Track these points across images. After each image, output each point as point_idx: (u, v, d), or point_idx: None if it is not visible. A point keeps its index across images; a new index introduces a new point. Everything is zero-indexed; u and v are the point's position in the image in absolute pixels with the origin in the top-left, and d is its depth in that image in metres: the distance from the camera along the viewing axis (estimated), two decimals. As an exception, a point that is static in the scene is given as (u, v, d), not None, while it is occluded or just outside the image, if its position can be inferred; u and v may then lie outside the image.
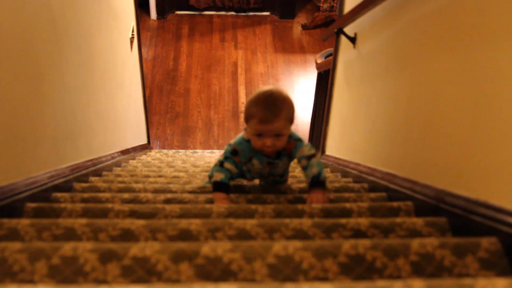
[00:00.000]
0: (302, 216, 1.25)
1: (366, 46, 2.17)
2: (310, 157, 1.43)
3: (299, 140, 1.46)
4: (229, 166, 1.42)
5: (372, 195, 1.53)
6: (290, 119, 1.34)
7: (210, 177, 1.63)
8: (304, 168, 1.44)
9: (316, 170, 1.41)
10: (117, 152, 2.66)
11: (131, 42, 3.39)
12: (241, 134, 1.46)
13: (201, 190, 1.67)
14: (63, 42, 1.70)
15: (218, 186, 1.40)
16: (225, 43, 5.71)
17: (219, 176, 1.41)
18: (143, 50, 4.84)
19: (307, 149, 1.45)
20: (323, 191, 1.39)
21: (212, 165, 2.79)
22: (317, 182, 1.40)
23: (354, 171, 2.02)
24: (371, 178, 1.76)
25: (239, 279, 0.83)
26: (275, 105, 1.30)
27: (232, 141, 1.47)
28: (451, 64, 1.21)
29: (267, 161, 1.46)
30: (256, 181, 1.69)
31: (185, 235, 1.04)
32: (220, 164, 1.44)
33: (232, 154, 1.43)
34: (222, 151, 1.50)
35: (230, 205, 1.29)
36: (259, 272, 0.84)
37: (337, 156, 2.50)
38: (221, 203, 1.33)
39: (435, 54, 1.32)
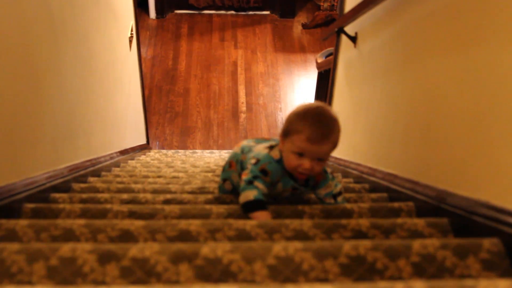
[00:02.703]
0: (303, 217, 1.25)
1: (367, 46, 2.17)
2: (336, 196, 1.32)
3: (325, 171, 1.31)
4: (260, 186, 1.20)
5: (373, 195, 1.52)
6: (336, 144, 1.17)
7: (221, 186, 1.51)
8: (328, 204, 1.31)
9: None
10: (116, 153, 2.66)
11: (130, 41, 3.38)
12: (264, 151, 1.27)
13: (201, 190, 1.66)
14: (61, 42, 1.69)
15: (254, 205, 1.17)
16: (224, 43, 5.71)
17: (251, 194, 1.18)
18: (142, 50, 4.84)
19: (333, 185, 1.32)
20: None
21: (212, 165, 2.79)
22: None
23: (354, 172, 2.02)
24: (372, 178, 1.75)
25: (239, 280, 0.83)
26: (327, 125, 1.13)
27: (254, 159, 1.25)
28: (452, 63, 1.20)
29: (291, 186, 1.26)
30: None
31: (185, 236, 1.04)
32: (249, 182, 1.21)
33: (262, 173, 1.22)
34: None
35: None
36: (259, 273, 0.83)
37: (338, 156, 2.50)
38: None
39: (436, 53, 1.31)
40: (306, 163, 1.14)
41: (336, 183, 1.33)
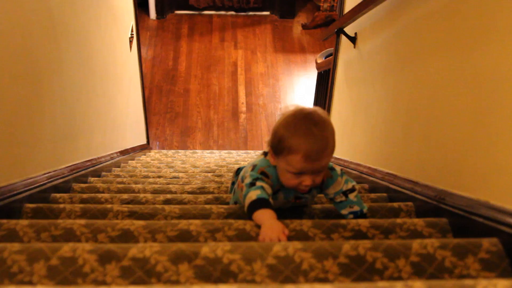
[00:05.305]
0: (302, 217, 1.25)
1: (367, 46, 2.17)
2: (347, 192, 1.18)
3: (332, 168, 1.17)
4: (264, 185, 1.07)
5: (373, 195, 1.53)
6: (334, 148, 1.05)
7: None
8: (339, 204, 1.19)
9: (358, 207, 1.18)
10: (116, 153, 2.66)
11: (130, 42, 3.38)
12: (260, 157, 1.17)
13: (201, 190, 1.67)
14: (62, 42, 1.69)
15: (256, 204, 1.02)
16: (224, 43, 5.71)
17: (254, 194, 1.04)
18: (143, 50, 4.84)
19: (343, 182, 1.18)
20: None
21: (212, 165, 2.78)
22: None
23: (354, 172, 2.02)
24: (371, 178, 1.75)
25: (239, 280, 0.83)
26: (324, 136, 1.00)
27: (251, 167, 1.15)
28: (451, 64, 1.20)
29: (294, 196, 1.17)
30: None
31: (185, 235, 1.04)
32: (251, 184, 1.07)
33: (263, 175, 1.10)
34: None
35: (286, 232, 0.96)
36: (259, 273, 0.83)
37: (337, 156, 2.50)
38: (274, 230, 0.95)
39: (435, 54, 1.32)
40: (306, 180, 1.04)
41: (346, 179, 1.19)
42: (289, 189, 1.14)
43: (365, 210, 1.19)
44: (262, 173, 1.11)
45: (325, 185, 1.18)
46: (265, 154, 1.17)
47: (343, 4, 2.73)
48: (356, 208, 1.18)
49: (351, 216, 1.18)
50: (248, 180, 1.09)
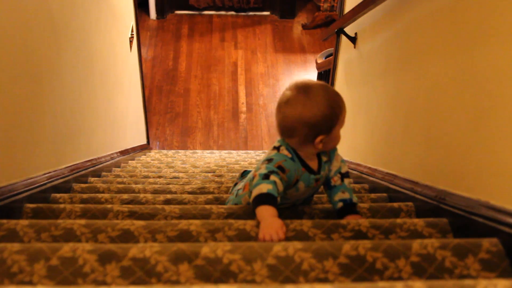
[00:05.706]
0: (302, 217, 1.25)
1: (367, 46, 2.17)
2: (343, 176, 1.23)
3: None
4: (277, 181, 1.07)
5: (373, 195, 1.53)
6: None
7: (236, 202, 1.32)
8: (334, 189, 1.22)
9: (349, 195, 1.21)
10: (116, 153, 2.66)
11: (131, 42, 3.38)
12: (273, 151, 1.16)
13: (201, 190, 1.67)
14: (62, 42, 1.69)
15: (263, 199, 1.03)
16: (225, 43, 5.71)
17: (265, 187, 1.04)
18: (143, 50, 4.84)
19: (339, 160, 1.24)
20: (359, 216, 1.18)
21: (212, 165, 2.79)
22: (351, 208, 1.19)
23: (354, 172, 2.02)
24: (371, 178, 1.75)
25: (239, 280, 0.83)
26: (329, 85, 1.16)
27: (266, 161, 1.13)
28: (452, 64, 1.20)
29: (314, 179, 1.18)
30: None
31: (185, 236, 1.04)
32: (265, 176, 1.07)
33: (279, 169, 1.10)
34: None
35: (283, 232, 0.97)
36: (259, 273, 0.83)
37: (337, 156, 2.50)
38: (273, 227, 0.97)
39: (436, 54, 1.32)
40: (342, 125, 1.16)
41: (342, 159, 1.25)
42: (308, 175, 1.16)
43: (354, 199, 1.21)
44: (279, 167, 1.10)
45: (330, 156, 1.23)
46: (277, 149, 1.15)
47: (343, 4, 2.73)
48: (347, 195, 1.21)
49: (341, 204, 1.20)
50: (263, 171, 1.09)
